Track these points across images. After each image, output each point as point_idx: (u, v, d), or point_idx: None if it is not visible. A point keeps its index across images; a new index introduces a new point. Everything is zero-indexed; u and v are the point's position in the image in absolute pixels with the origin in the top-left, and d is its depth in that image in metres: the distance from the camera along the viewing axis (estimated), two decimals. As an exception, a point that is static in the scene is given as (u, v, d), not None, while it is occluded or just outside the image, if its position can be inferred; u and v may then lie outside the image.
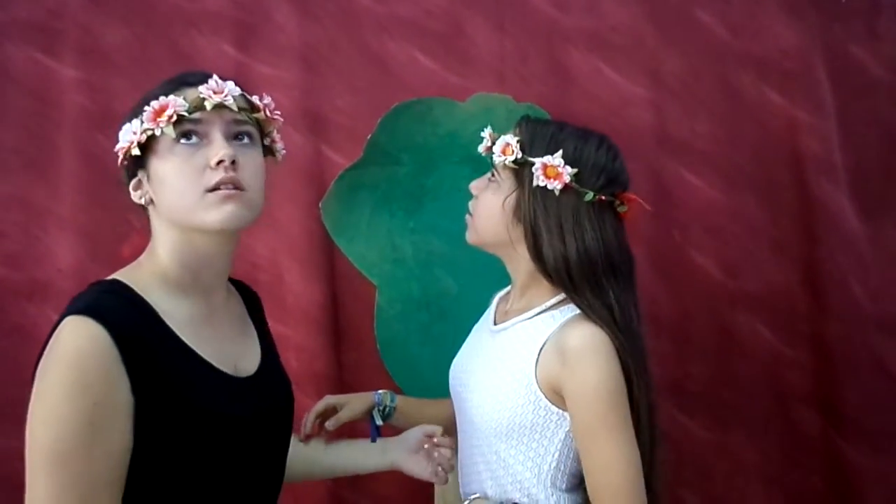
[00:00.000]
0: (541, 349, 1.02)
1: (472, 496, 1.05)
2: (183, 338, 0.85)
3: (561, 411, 1.01)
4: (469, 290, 1.31)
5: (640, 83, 1.65)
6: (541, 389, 1.00)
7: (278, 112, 0.95)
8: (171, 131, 0.84)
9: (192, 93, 0.86)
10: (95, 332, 0.76)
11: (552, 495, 1.03)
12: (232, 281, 1.06)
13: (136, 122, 0.87)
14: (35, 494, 0.75)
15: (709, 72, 1.66)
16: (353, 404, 1.16)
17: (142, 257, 0.93)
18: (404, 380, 1.56)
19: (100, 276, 0.93)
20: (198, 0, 1.59)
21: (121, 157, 0.89)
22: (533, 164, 1.04)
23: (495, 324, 1.14)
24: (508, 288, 1.22)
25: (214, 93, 0.86)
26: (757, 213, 1.66)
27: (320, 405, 1.13)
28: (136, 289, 0.85)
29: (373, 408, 1.18)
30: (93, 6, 1.55)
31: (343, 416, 1.13)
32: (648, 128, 1.65)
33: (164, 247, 0.89)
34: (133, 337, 0.79)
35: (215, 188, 0.83)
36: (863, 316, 1.64)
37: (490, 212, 1.09)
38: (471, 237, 1.14)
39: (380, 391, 1.22)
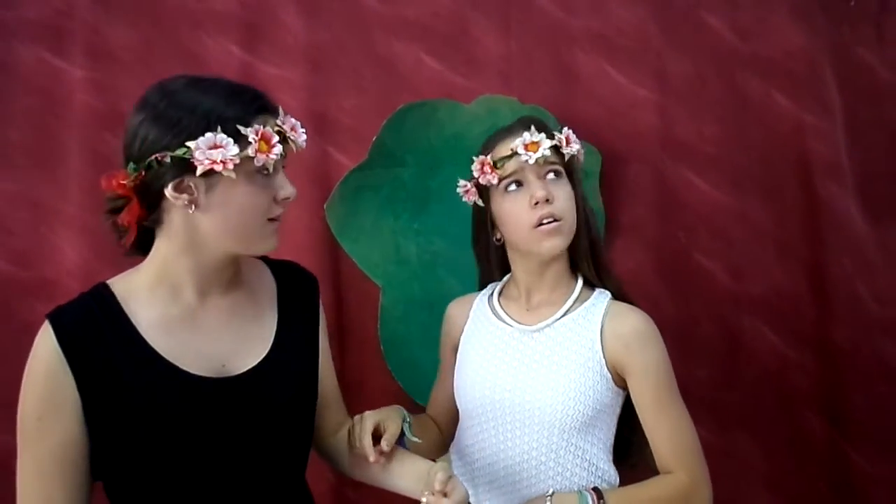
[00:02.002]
0: (601, 336, 1.08)
1: (548, 494, 1.02)
2: (151, 343, 0.90)
3: (619, 390, 1.09)
4: (472, 291, 1.31)
5: (646, 85, 1.65)
6: (610, 372, 1.07)
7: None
8: (269, 164, 0.89)
9: (271, 122, 0.91)
10: (47, 337, 0.87)
11: (615, 470, 1.10)
12: (280, 264, 1.09)
13: (220, 136, 0.85)
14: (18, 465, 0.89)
15: (715, 74, 1.66)
16: (394, 418, 1.08)
17: (143, 263, 0.95)
18: (406, 380, 1.56)
19: (106, 275, 0.96)
20: (205, 0, 1.60)
21: (204, 168, 0.84)
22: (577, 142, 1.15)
23: (520, 324, 1.14)
24: (497, 285, 1.22)
25: (291, 129, 0.93)
26: (763, 215, 1.65)
27: (368, 425, 1.04)
28: (118, 295, 0.92)
29: (403, 421, 1.11)
30: (100, 6, 1.57)
31: (393, 432, 1.05)
32: (654, 130, 1.64)
33: (165, 260, 0.93)
34: (81, 342, 0.87)
35: (273, 219, 0.94)
36: (869, 319, 1.63)
37: (574, 208, 1.11)
38: (566, 242, 1.10)
39: (395, 406, 1.14)
